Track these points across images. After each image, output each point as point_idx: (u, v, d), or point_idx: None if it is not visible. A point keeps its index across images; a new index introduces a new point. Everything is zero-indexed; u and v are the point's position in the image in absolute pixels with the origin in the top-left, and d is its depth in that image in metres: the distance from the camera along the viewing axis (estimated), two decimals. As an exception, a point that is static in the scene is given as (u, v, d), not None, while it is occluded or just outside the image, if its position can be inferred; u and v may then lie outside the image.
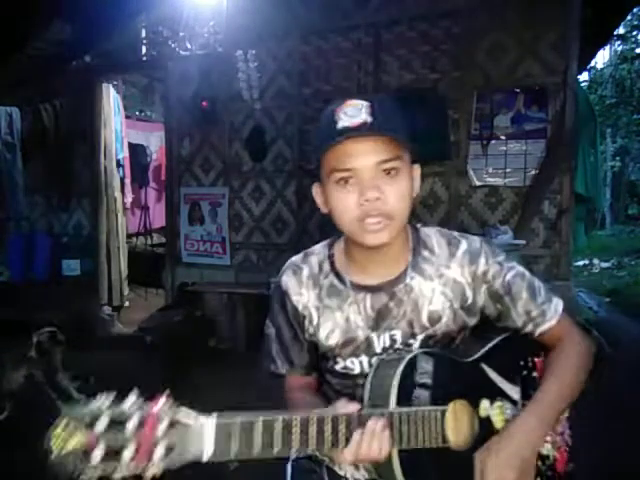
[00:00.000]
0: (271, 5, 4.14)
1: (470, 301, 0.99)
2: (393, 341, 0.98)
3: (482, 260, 0.98)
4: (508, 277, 0.98)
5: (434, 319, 0.98)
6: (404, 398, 0.85)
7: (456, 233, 1.03)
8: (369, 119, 0.86)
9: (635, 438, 2.41)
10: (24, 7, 3.68)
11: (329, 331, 1.00)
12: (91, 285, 4.95)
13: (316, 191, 0.99)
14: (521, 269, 1.00)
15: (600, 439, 2.14)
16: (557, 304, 1.00)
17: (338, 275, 1.02)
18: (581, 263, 8.05)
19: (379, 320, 0.98)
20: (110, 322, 4.84)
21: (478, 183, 3.71)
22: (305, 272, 1.04)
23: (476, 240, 1.01)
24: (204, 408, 0.71)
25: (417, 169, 0.97)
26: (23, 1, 3.74)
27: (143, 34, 5.57)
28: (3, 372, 2.83)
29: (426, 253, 1.00)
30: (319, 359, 1.06)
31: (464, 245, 1.00)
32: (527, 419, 0.90)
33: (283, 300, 1.04)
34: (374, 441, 0.78)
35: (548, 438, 0.99)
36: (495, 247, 1.02)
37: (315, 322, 1.02)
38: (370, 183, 0.88)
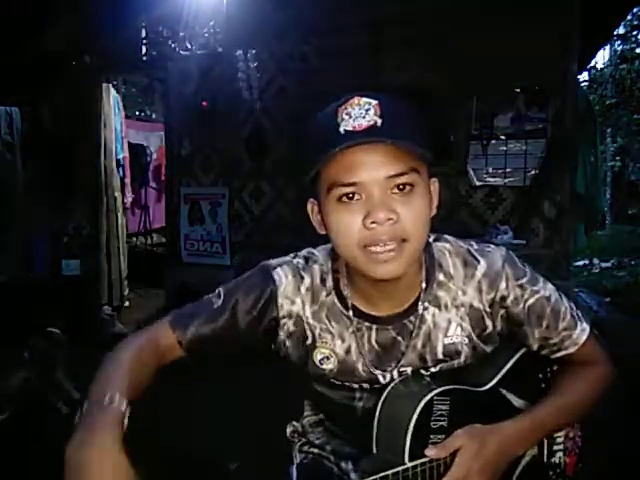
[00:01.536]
0: (271, 5, 4.14)
1: (490, 329, 0.89)
2: (401, 376, 0.89)
3: (502, 285, 0.85)
4: (530, 302, 0.87)
5: (451, 352, 0.88)
6: (419, 448, 0.79)
7: (474, 248, 0.89)
8: (379, 121, 0.73)
9: (635, 438, 2.41)
10: (24, 7, 3.68)
11: (324, 357, 0.89)
12: (91, 285, 4.95)
13: (311, 209, 0.83)
14: (548, 291, 0.89)
15: (600, 439, 2.13)
16: (581, 332, 0.90)
17: (341, 297, 0.88)
18: (581, 263, 8.03)
19: (385, 357, 0.88)
20: (110, 322, 4.83)
21: (478, 183, 3.71)
22: (306, 282, 0.88)
23: (497, 258, 0.87)
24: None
25: (435, 183, 0.85)
26: (23, 1, 3.74)
27: (143, 34, 5.58)
28: (3, 372, 2.83)
29: (441, 277, 0.87)
30: (311, 379, 0.93)
31: (482, 267, 0.86)
32: (512, 431, 0.83)
33: (264, 290, 0.87)
34: None
35: (560, 446, 0.96)
36: (519, 265, 0.89)
37: (309, 342, 0.89)
38: (380, 201, 0.72)
